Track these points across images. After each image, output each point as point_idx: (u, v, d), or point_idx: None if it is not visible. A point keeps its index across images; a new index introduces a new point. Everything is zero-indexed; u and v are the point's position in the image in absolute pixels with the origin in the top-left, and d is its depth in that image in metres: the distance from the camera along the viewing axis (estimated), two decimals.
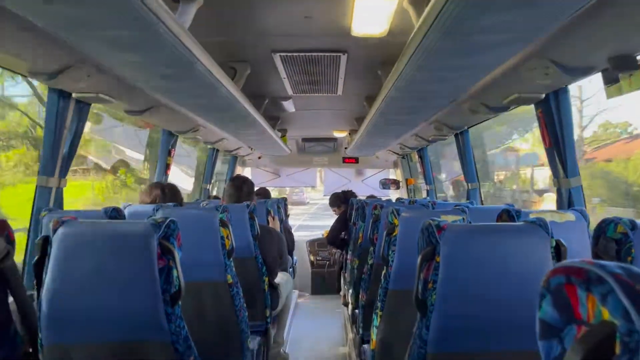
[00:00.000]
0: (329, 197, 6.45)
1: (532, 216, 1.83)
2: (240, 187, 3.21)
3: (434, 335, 1.31)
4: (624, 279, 0.49)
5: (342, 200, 6.04)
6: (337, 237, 5.72)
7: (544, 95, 2.53)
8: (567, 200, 2.56)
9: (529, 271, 1.28)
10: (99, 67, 2.24)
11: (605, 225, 1.29)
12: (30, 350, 1.38)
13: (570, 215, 2.11)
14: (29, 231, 2.42)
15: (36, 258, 1.40)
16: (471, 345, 1.31)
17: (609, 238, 1.26)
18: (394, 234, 2.13)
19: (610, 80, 2.05)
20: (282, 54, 2.94)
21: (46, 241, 1.37)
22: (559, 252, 1.34)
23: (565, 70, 2.07)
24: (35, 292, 1.39)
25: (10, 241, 1.33)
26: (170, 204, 2.59)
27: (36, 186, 2.43)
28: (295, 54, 2.93)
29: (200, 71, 2.21)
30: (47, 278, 1.32)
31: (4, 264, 1.29)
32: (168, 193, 2.86)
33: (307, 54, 2.93)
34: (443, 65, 2.03)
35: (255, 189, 5.60)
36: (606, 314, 0.50)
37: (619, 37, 1.74)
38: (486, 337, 1.30)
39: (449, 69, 2.09)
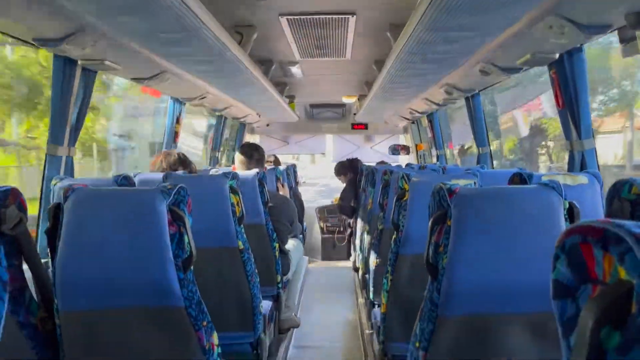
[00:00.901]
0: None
1: (544, 179, 1.81)
2: (251, 155, 3.21)
3: (445, 298, 1.31)
4: None
5: (348, 168, 6.02)
6: (349, 206, 5.73)
7: (557, 55, 2.47)
8: (580, 162, 2.53)
9: (542, 233, 1.27)
10: (105, 33, 2.21)
11: (619, 187, 1.26)
12: (46, 315, 1.41)
13: (583, 178, 2.08)
14: (40, 199, 2.44)
15: (48, 225, 1.41)
16: (483, 308, 1.31)
17: (624, 199, 1.24)
18: (405, 198, 2.12)
19: (626, 39, 1.99)
20: (289, 17, 2.88)
21: (58, 209, 1.38)
22: (572, 214, 1.33)
23: (580, 29, 2.00)
24: (49, 260, 1.41)
25: (23, 209, 1.34)
26: (180, 171, 2.59)
27: (46, 155, 2.44)
28: (302, 16, 2.87)
29: (207, 36, 2.17)
30: (60, 245, 1.33)
31: (17, 231, 1.30)
32: (182, 159, 2.85)
33: (314, 16, 2.87)
34: (453, 24, 1.98)
35: (267, 156, 5.62)
36: (623, 273, 0.49)
37: None
38: (498, 299, 1.31)
39: (460, 29, 2.04)
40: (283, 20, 2.94)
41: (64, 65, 2.40)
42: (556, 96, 2.58)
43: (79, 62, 2.45)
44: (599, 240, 0.53)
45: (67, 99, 2.44)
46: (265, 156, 5.58)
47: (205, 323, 1.43)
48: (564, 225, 1.29)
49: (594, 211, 2.02)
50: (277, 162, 5.54)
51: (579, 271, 0.55)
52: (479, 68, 3.01)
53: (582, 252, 0.55)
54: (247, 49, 3.10)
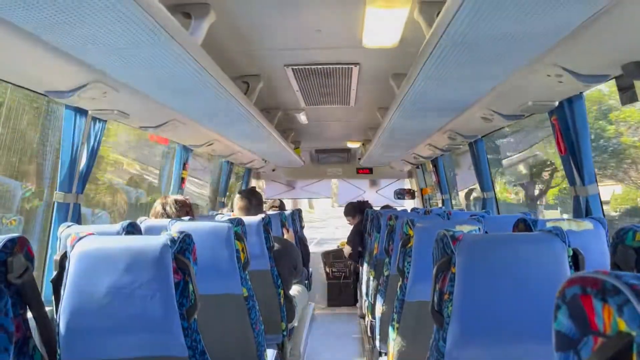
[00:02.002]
0: (335, 221, 6.38)
1: (549, 225, 1.81)
2: (250, 199, 3.24)
3: (451, 347, 1.29)
4: None
5: (357, 210, 6.00)
6: (356, 252, 5.68)
7: (557, 103, 2.51)
8: (585, 208, 2.52)
9: (546, 281, 1.27)
10: (115, 84, 2.28)
11: (623, 234, 1.26)
12: None
13: (588, 224, 2.08)
14: (47, 247, 2.45)
15: (54, 274, 1.42)
16: (489, 356, 1.29)
17: (628, 246, 1.24)
18: (409, 245, 2.12)
19: (624, 87, 2.03)
20: (294, 67, 2.96)
21: (64, 257, 1.39)
22: (576, 261, 1.32)
23: (578, 78, 2.05)
24: (53, 308, 1.41)
25: (30, 258, 1.35)
26: (186, 217, 2.60)
27: (54, 202, 2.47)
28: (307, 66, 2.95)
29: (213, 86, 2.23)
30: (65, 294, 1.34)
31: (23, 280, 1.31)
32: (181, 205, 2.85)
33: (319, 66, 2.95)
34: (455, 74, 2.03)
35: (270, 201, 5.64)
36: (622, 325, 0.50)
37: (631, 44, 1.72)
38: (503, 348, 1.29)
39: (461, 78, 2.09)
40: (288, 70, 3.02)
41: (75, 115, 2.47)
42: (558, 142, 2.61)
43: (90, 112, 2.52)
44: (598, 291, 0.53)
45: (78, 148, 2.49)
46: (270, 201, 5.63)
47: None
48: (568, 272, 1.29)
49: (600, 257, 2.01)
50: (282, 206, 5.55)
51: (580, 322, 0.56)
52: (481, 115, 3.06)
53: (582, 303, 0.55)
54: (253, 98, 3.17)
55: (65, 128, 2.48)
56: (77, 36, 1.53)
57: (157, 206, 2.81)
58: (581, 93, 2.45)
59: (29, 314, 1.38)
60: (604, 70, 2.00)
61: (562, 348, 0.58)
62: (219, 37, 2.42)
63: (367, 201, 6.24)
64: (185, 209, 2.84)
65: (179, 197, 2.89)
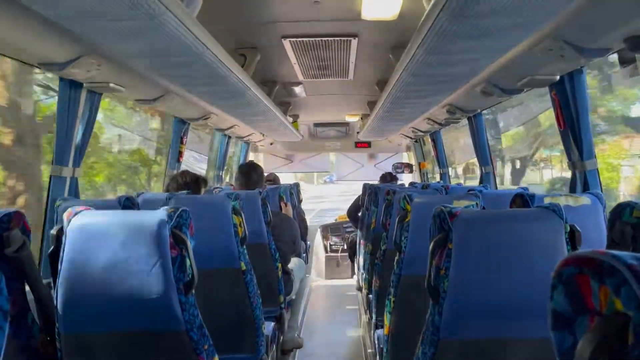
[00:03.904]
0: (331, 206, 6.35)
1: (546, 200, 1.81)
2: (249, 173, 3.23)
3: (446, 322, 1.30)
4: (638, 269, 0.48)
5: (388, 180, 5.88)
6: (354, 214, 5.69)
7: (558, 77, 2.48)
8: (583, 183, 2.52)
9: (543, 258, 1.27)
10: (109, 56, 2.24)
11: (620, 210, 1.26)
12: (48, 338, 1.41)
13: (585, 199, 2.08)
14: (44, 221, 2.45)
15: (51, 248, 1.42)
16: (484, 332, 1.31)
17: (625, 222, 1.24)
18: (407, 220, 2.12)
19: (626, 61, 2.01)
20: (292, 39, 2.92)
21: (61, 232, 1.39)
22: (573, 237, 1.32)
23: (580, 52, 2.02)
24: (51, 281, 1.41)
25: (26, 232, 1.35)
26: (184, 191, 2.60)
27: (50, 176, 2.46)
28: (305, 39, 2.91)
29: (210, 59, 2.20)
30: (62, 268, 1.34)
31: (20, 254, 1.31)
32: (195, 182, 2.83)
33: (317, 38, 2.90)
34: (454, 48, 1.99)
35: (266, 174, 5.62)
36: (619, 305, 0.50)
37: (634, 17, 1.69)
38: (499, 324, 1.30)
39: (461, 52, 2.06)
40: (286, 43, 2.97)
41: (69, 88, 2.43)
42: (557, 117, 2.59)
43: (85, 85, 2.48)
44: (595, 272, 0.53)
45: (73, 121, 2.47)
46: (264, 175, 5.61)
47: (206, 347, 1.43)
48: (565, 248, 1.29)
49: (597, 232, 2.02)
50: (276, 180, 5.51)
51: (576, 302, 0.56)
52: (481, 89, 3.04)
53: (579, 283, 0.55)
54: (251, 71, 3.13)
55: (60, 101, 2.45)
56: (69, 7, 1.50)
57: (178, 179, 2.78)
58: (582, 67, 2.42)
59: (27, 288, 1.38)
60: (606, 44, 1.97)
61: (558, 327, 0.58)
62: (215, 8, 2.37)
63: (391, 174, 6.15)
64: (200, 187, 2.83)
65: (196, 174, 2.88)
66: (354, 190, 6.69)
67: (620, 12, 1.69)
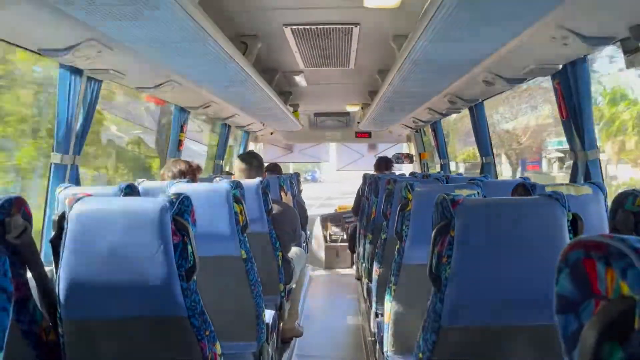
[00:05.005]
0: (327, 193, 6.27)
1: (548, 189, 1.81)
2: (250, 162, 3.22)
3: (447, 309, 1.31)
4: None
5: (383, 166, 5.76)
6: (357, 206, 5.63)
7: (561, 66, 2.47)
8: (585, 173, 2.52)
9: (545, 245, 1.27)
10: (110, 43, 2.22)
11: (623, 198, 1.26)
12: (50, 325, 1.41)
13: (587, 189, 2.08)
14: (45, 208, 2.45)
15: (53, 235, 1.42)
16: (485, 319, 1.31)
17: (628, 211, 1.24)
18: (408, 208, 2.12)
19: (629, 50, 2.00)
20: (293, 27, 2.90)
21: (63, 218, 1.38)
22: (575, 225, 1.32)
23: (584, 40, 2.01)
24: (53, 268, 1.41)
25: (27, 217, 1.34)
26: (184, 179, 2.60)
27: (51, 163, 2.45)
28: (306, 27, 2.89)
29: (211, 46, 2.19)
30: (64, 255, 1.34)
31: (22, 240, 1.31)
32: (190, 168, 2.85)
33: (318, 26, 2.88)
34: (457, 36, 1.98)
35: (266, 164, 5.61)
36: (625, 289, 0.49)
37: (639, 6, 1.68)
38: (500, 311, 1.30)
39: (464, 39, 2.05)
40: (287, 30, 2.95)
41: (70, 75, 2.42)
42: (559, 106, 2.59)
43: (85, 72, 2.47)
44: (602, 255, 0.53)
45: (73, 108, 2.46)
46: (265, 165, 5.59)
47: (207, 333, 1.43)
48: (567, 237, 1.29)
49: (599, 222, 2.02)
50: (275, 169, 5.48)
51: (582, 286, 0.55)
52: (483, 78, 3.02)
53: (585, 267, 0.55)
54: (252, 59, 3.11)
55: (60, 88, 2.44)
56: None
57: (172, 168, 2.79)
58: (585, 56, 2.41)
59: (29, 274, 1.38)
60: (610, 33, 1.96)
61: (563, 310, 0.58)
62: None
63: (388, 158, 6.00)
64: (195, 175, 2.84)
65: (191, 161, 2.88)
66: (343, 194, 6.48)
67: (625, 1, 1.68)
